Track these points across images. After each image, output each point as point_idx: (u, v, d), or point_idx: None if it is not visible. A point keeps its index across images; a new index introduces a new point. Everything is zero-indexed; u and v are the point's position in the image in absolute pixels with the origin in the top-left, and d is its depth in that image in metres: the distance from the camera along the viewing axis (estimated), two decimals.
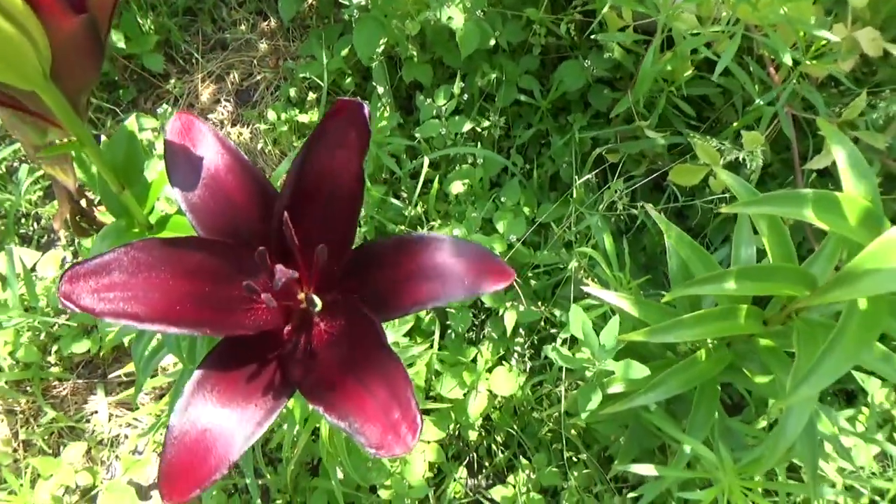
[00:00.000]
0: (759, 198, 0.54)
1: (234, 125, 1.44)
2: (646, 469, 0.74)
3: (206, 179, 0.44)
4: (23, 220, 1.39)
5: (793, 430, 0.57)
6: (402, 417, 0.37)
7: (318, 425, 0.88)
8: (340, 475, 1.09)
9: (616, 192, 0.99)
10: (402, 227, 1.20)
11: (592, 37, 1.04)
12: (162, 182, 0.54)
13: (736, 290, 0.59)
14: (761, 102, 0.91)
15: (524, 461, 1.12)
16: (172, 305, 0.40)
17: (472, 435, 1.15)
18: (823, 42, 0.82)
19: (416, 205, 1.19)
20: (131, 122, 0.48)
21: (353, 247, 0.46)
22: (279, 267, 0.40)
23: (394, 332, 0.91)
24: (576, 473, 1.06)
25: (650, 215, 0.79)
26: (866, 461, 0.81)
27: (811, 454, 0.66)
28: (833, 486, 0.81)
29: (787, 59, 0.80)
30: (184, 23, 1.49)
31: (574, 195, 1.11)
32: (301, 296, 0.44)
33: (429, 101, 1.18)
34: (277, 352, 0.44)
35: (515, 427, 1.13)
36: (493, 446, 1.16)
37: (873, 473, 0.81)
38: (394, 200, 1.21)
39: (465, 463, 1.18)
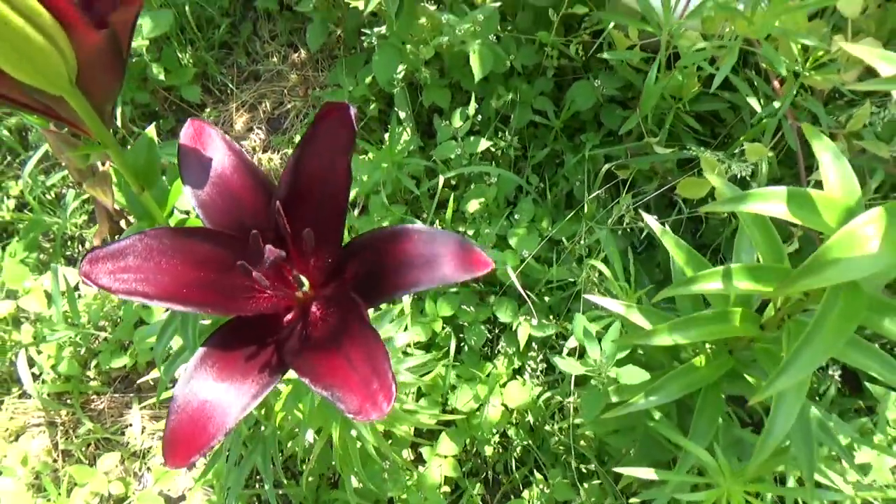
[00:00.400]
0: (738, 195, 0.56)
1: (265, 151, 1.52)
2: (647, 473, 0.75)
3: (214, 178, 0.49)
4: (69, 243, 1.49)
5: (781, 427, 0.58)
6: (380, 387, 0.40)
7: (331, 434, 0.91)
8: (358, 484, 1.11)
9: (624, 206, 1.01)
10: None
11: (600, 56, 1.07)
12: (180, 187, 0.59)
13: (723, 290, 0.61)
14: (762, 114, 0.93)
15: (538, 476, 1.12)
16: (180, 288, 0.45)
17: (489, 451, 1.16)
18: (821, 53, 0.84)
19: (433, 223, 1.23)
20: (151, 130, 0.54)
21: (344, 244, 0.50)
22: (268, 247, 0.44)
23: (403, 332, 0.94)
24: (587, 486, 1.06)
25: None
26: (880, 473, 0.80)
27: (808, 458, 0.66)
28: (850, 502, 0.80)
29: (783, 70, 0.82)
30: (220, 56, 1.59)
31: (585, 211, 1.14)
32: (295, 281, 0.48)
33: (445, 122, 1.23)
34: (275, 336, 0.48)
35: (531, 443, 1.14)
36: (510, 462, 1.17)
37: (887, 486, 0.79)
38: (413, 219, 1.26)
39: (482, 479, 1.19)
